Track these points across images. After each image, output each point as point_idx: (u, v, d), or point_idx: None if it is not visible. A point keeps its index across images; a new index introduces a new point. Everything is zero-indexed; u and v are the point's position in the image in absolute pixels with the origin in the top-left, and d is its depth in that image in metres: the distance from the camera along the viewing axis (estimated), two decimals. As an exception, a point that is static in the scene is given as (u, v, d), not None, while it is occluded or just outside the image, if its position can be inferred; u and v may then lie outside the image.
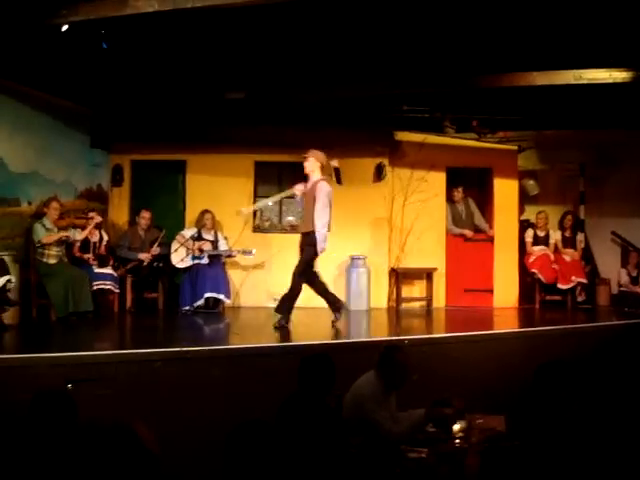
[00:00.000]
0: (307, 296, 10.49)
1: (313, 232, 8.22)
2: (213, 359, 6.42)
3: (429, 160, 10.78)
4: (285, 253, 10.56)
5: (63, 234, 8.66)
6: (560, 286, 10.49)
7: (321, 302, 10.43)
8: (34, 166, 9.00)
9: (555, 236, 10.84)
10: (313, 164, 8.43)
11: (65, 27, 6.45)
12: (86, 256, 9.15)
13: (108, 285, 9.13)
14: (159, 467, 2.55)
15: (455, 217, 11.03)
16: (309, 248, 8.28)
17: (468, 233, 10.95)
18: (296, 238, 10.62)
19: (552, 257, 10.63)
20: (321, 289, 8.60)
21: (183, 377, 6.13)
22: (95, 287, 8.83)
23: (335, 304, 8.59)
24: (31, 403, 3.26)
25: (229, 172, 10.68)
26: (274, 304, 10.39)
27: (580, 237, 11.02)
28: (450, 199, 11.06)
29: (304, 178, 8.62)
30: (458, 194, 11.06)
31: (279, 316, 8.30)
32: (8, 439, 3.22)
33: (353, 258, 10.38)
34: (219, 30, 7.32)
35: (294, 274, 8.37)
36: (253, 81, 9.04)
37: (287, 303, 8.35)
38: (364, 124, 10.45)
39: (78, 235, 9.07)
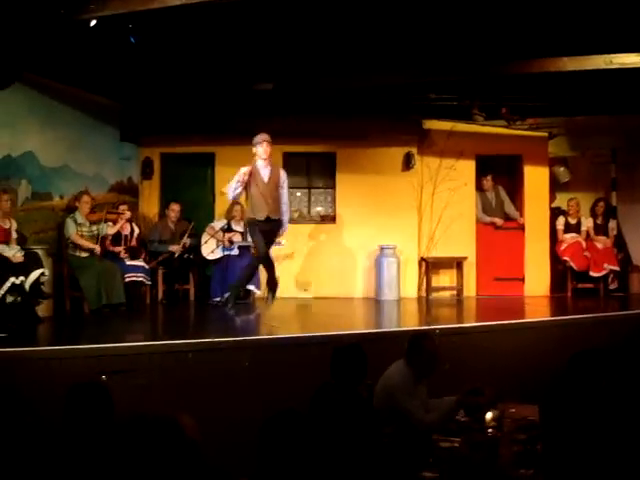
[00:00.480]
0: (337, 286, 10.56)
1: (281, 219, 8.46)
2: (245, 349, 6.44)
3: (458, 148, 10.72)
4: (314, 243, 10.61)
5: (92, 246, 8.74)
6: (592, 274, 10.38)
7: (352, 292, 10.51)
8: (65, 160, 9.12)
9: (587, 223, 10.72)
10: (271, 149, 8.43)
11: (93, 22, 6.51)
12: (117, 249, 9.24)
13: (140, 277, 9.21)
14: (202, 458, 2.56)
15: (485, 205, 10.96)
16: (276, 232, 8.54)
17: (498, 221, 10.87)
18: (325, 228, 10.75)
19: (584, 245, 10.52)
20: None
21: (215, 368, 6.17)
22: (127, 279, 8.91)
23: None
24: (67, 395, 3.30)
25: (258, 163, 10.68)
26: (303, 294, 10.50)
27: (612, 224, 10.88)
28: (480, 187, 10.99)
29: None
30: (487, 182, 10.98)
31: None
32: (45, 431, 3.26)
33: (383, 248, 10.36)
34: (246, 21, 7.33)
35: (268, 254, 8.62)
36: (281, 72, 9.04)
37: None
38: (392, 113, 10.40)
39: (109, 230, 9.16)
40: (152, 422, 2.49)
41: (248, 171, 8.16)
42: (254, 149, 8.32)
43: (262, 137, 8.32)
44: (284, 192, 8.46)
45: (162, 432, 2.45)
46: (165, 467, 2.42)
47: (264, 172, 8.34)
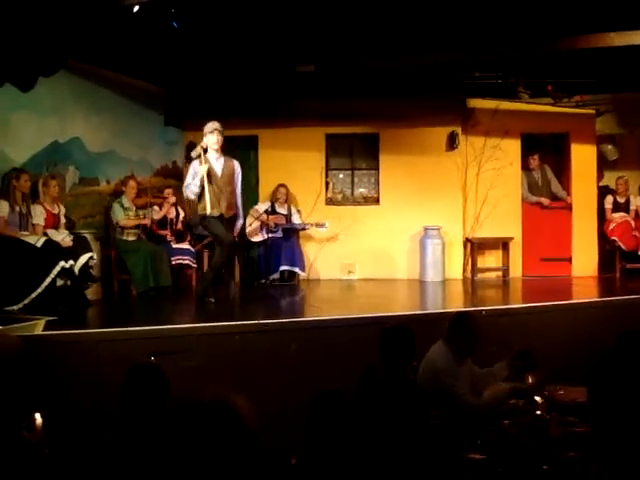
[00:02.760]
0: (382, 268, 10.55)
1: (236, 214, 7.95)
2: (291, 331, 6.49)
3: (503, 127, 10.57)
4: (357, 225, 10.60)
5: (141, 222, 8.89)
6: (641, 253, 10.21)
7: (396, 274, 10.48)
8: (111, 145, 9.24)
9: (636, 202, 10.53)
10: (222, 138, 7.76)
11: (136, 8, 6.56)
12: (164, 232, 9.35)
13: (186, 260, 9.31)
14: (257, 441, 2.58)
15: (531, 185, 10.81)
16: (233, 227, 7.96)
17: (545, 201, 10.72)
18: (369, 210, 10.71)
19: (633, 224, 10.33)
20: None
21: (262, 350, 6.22)
22: (174, 262, 9.02)
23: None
24: (126, 377, 3.36)
25: (301, 146, 10.70)
26: (348, 276, 10.50)
27: (662, 202, 10.67)
28: (526, 167, 10.84)
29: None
30: (534, 161, 10.82)
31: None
32: (99, 412, 3.32)
33: (427, 229, 10.31)
34: (288, 2, 7.31)
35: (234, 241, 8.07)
36: (323, 53, 9.00)
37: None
38: (435, 92, 10.29)
39: (155, 214, 9.28)
40: (207, 406, 2.51)
41: (206, 167, 7.59)
42: (204, 139, 7.68)
43: (212, 125, 7.64)
44: (238, 186, 7.93)
45: (217, 417, 2.47)
46: (222, 452, 2.45)
47: (217, 165, 7.75)
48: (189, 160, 7.91)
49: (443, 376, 4.54)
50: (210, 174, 7.65)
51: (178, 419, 2.56)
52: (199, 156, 7.66)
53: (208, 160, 7.68)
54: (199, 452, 2.44)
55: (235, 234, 8.16)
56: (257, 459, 2.50)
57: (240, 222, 8.17)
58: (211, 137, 7.65)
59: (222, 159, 7.81)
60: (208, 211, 7.64)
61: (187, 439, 2.47)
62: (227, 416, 2.46)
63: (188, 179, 7.75)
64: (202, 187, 7.58)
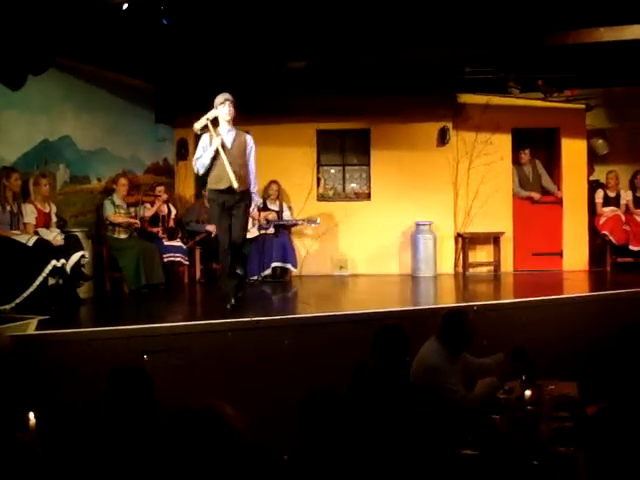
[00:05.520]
0: (373, 264, 10.57)
1: (249, 190, 7.31)
2: (283, 328, 6.50)
3: (494, 122, 10.59)
4: (349, 221, 10.61)
5: (131, 221, 8.88)
6: (632, 247, 10.20)
7: (388, 269, 10.51)
8: (102, 143, 9.22)
9: (626, 196, 10.55)
10: (235, 110, 7.30)
11: (125, 6, 6.55)
12: (155, 229, 9.34)
13: (178, 257, 9.31)
14: (247, 448, 2.58)
15: (522, 179, 10.84)
16: (246, 206, 7.29)
17: (535, 195, 10.75)
18: (360, 205, 10.73)
19: (623, 218, 10.36)
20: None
21: (254, 347, 6.24)
22: (165, 259, 9.01)
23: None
24: (109, 379, 3.37)
25: (292, 142, 10.70)
26: (340, 272, 10.52)
27: (652, 196, 10.71)
28: (517, 161, 10.87)
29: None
30: (525, 156, 10.85)
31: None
32: (89, 411, 3.33)
33: (418, 224, 10.33)
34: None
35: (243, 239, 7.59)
36: (313, 49, 8.99)
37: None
38: (426, 88, 10.29)
39: (147, 211, 9.27)
40: (196, 417, 2.51)
41: (220, 138, 7.10)
42: (214, 111, 7.20)
43: (224, 96, 7.19)
44: (252, 161, 7.33)
45: (207, 426, 2.48)
46: (212, 461, 2.46)
47: (227, 137, 7.21)
48: (198, 137, 7.53)
49: (437, 374, 4.54)
50: (222, 147, 7.13)
51: (168, 429, 2.56)
52: (205, 127, 7.22)
53: (219, 132, 7.20)
54: (189, 460, 2.45)
55: (252, 216, 7.73)
56: (248, 465, 2.51)
57: (255, 201, 7.47)
58: (222, 109, 7.17)
59: (233, 132, 7.28)
60: (214, 185, 7.16)
61: (177, 448, 2.48)
62: (216, 425, 2.47)
63: (199, 151, 7.23)
64: (214, 159, 7.07)
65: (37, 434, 3.50)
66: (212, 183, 7.20)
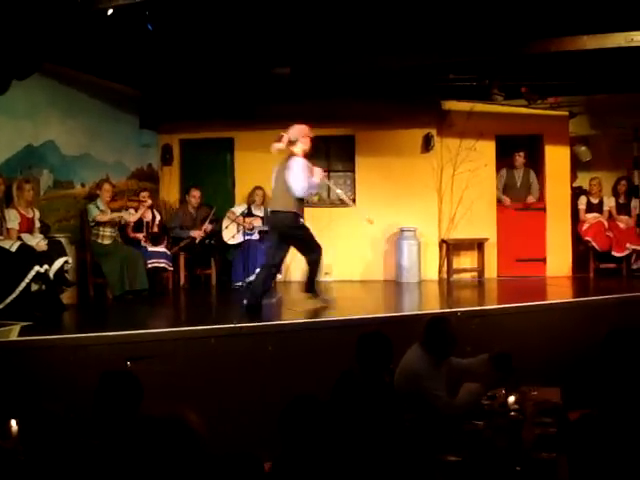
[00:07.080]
0: (358, 270, 10.58)
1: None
2: (267, 334, 6.49)
3: (478, 129, 10.64)
4: (334, 227, 10.61)
5: (117, 215, 8.85)
6: (615, 254, 10.29)
7: (373, 275, 10.52)
8: (86, 149, 9.21)
9: (609, 203, 10.62)
10: None
11: (110, 11, 6.53)
12: (139, 235, 9.31)
13: (162, 263, 9.27)
14: (208, 453, 2.60)
15: (509, 184, 10.86)
16: None
17: (506, 200, 10.77)
18: (345, 212, 10.72)
19: (606, 224, 10.43)
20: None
21: (238, 353, 6.22)
22: (149, 265, 8.97)
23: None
24: (98, 383, 3.36)
25: (276, 148, 10.68)
26: (324, 278, 10.50)
27: (635, 203, 10.74)
28: (510, 164, 10.90)
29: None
30: (520, 158, 10.83)
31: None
32: (73, 417, 3.31)
33: (403, 230, 10.36)
34: (263, 5, 7.30)
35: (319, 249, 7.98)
36: (298, 55, 9.00)
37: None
38: (410, 95, 10.34)
39: (131, 217, 9.24)
40: (159, 423, 2.52)
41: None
42: (300, 141, 7.54)
43: (310, 130, 7.60)
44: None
45: (169, 433, 2.49)
46: (176, 466, 2.47)
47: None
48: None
49: (421, 380, 4.55)
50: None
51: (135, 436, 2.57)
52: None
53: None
54: (155, 467, 2.46)
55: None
56: (216, 471, 2.52)
57: None
58: (306, 142, 7.56)
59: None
60: (298, 209, 7.52)
61: (143, 455, 2.49)
62: (179, 431, 2.48)
63: (304, 175, 7.38)
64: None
65: (19, 441, 3.47)
66: (296, 207, 7.51)
